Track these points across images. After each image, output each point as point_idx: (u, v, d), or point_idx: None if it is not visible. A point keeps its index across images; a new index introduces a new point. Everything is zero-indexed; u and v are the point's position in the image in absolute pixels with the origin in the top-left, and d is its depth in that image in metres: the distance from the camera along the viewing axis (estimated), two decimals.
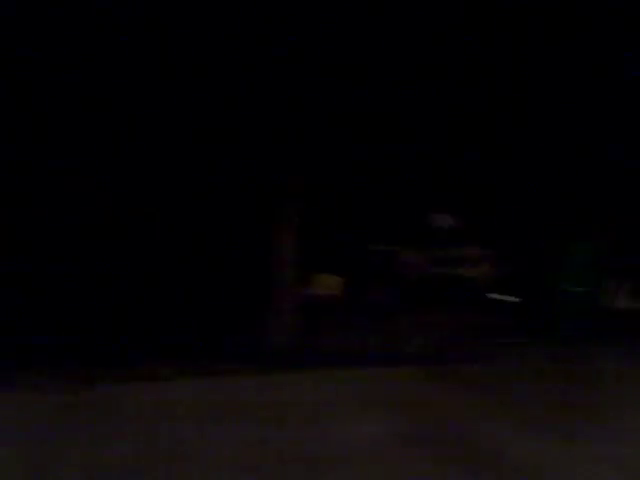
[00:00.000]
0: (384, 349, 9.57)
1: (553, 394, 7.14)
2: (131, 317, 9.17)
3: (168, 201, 10.01)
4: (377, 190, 16.52)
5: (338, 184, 15.70)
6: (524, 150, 15.66)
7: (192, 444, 5.24)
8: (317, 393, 7.08)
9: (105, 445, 5.12)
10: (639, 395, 7.29)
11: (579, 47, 12.23)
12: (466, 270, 15.45)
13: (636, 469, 4.90)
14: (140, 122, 9.56)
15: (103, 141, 9.49)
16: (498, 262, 14.90)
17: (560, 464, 4.96)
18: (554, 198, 15.86)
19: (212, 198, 10.05)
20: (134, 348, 8.49)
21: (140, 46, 9.02)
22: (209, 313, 9.55)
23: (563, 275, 10.63)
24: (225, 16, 9.10)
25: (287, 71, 9.32)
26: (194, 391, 6.94)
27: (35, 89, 9.02)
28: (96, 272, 9.49)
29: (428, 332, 11.25)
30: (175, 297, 9.65)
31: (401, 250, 15.77)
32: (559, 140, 14.74)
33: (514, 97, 13.37)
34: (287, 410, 6.32)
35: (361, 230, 16.41)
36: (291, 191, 9.40)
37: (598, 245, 11.03)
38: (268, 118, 9.46)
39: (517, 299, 12.19)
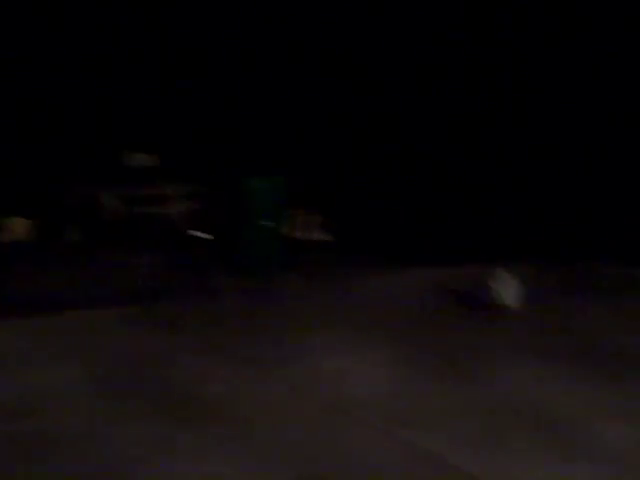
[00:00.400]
0: (81, 292, 9.07)
1: (246, 326, 7.40)
2: None
3: None
4: (73, 128, 15.26)
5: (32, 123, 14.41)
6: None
7: None
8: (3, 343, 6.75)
9: None
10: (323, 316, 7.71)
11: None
12: (163, 208, 14.98)
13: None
14: None
15: None
16: (196, 200, 14.62)
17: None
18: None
19: None
20: None
21: None
22: None
23: (250, 210, 10.69)
24: None
25: None
26: None
27: None
28: None
29: (126, 272, 10.67)
30: None
31: (95, 190, 14.44)
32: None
33: None
34: None
35: (54, 170, 14.58)
36: None
37: (282, 180, 11.04)
38: None
39: (212, 235, 12.18)
